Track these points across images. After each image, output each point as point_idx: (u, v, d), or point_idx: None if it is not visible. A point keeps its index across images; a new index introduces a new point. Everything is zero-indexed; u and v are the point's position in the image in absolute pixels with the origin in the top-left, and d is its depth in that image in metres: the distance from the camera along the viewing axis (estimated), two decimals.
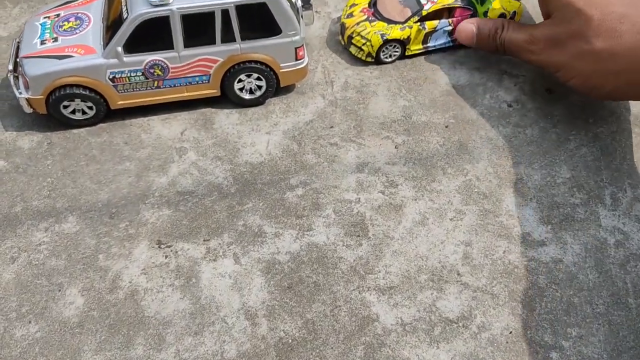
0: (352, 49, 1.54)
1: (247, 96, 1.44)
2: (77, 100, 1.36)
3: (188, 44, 1.33)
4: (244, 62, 1.38)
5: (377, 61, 1.54)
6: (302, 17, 1.44)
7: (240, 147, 1.38)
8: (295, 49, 1.39)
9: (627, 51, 1.23)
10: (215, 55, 1.36)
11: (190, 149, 1.38)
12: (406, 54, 1.55)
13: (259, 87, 1.43)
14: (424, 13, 1.51)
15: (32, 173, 1.33)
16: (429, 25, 1.52)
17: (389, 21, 1.52)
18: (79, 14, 1.39)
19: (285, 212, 1.27)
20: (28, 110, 1.36)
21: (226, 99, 1.44)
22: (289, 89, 1.49)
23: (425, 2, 1.52)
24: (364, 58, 1.53)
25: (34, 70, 1.32)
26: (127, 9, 1.30)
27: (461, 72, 1.53)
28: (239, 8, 1.31)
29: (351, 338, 1.11)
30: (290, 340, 1.10)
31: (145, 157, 1.36)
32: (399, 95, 1.48)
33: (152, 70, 1.35)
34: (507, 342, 1.10)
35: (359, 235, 1.23)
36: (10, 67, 1.36)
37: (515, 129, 1.41)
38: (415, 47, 1.54)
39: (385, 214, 1.26)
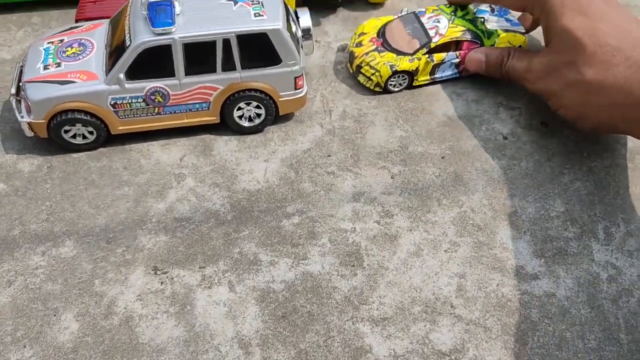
0: (361, 78, 1.57)
1: (246, 124, 1.45)
2: (78, 125, 1.37)
3: (189, 71, 1.35)
4: (243, 91, 1.40)
5: (385, 90, 1.56)
6: (302, 47, 1.46)
7: (238, 174, 1.40)
8: (295, 78, 1.41)
9: (618, 84, 1.25)
10: (215, 83, 1.38)
11: (188, 175, 1.39)
12: (413, 84, 1.57)
13: (258, 115, 1.45)
14: (432, 45, 1.54)
15: (31, 196, 1.35)
16: (437, 57, 1.54)
17: (398, 52, 1.54)
18: (83, 40, 1.41)
19: (281, 240, 1.28)
20: (29, 133, 1.38)
21: (225, 126, 1.46)
22: (287, 117, 1.51)
23: (434, 35, 1.54)
24: (372, 87, 1.55)
25: (37, 95, 1.33)
26: (130, 37, 1.32)
27: (458, 103, 1.55)
28: (240, 38, 1.33)
29: None
30: None
31: (144, 183, 1.37)
32: (396, 125, 1.50)
33: (153, 97, 1.37)
34: None
35: (353, 265, 1.24)
36: (13, 90, 1.38)
37: (511, 161, 1.43)
38: (422, 78, 1.57)
39: (380, 244, 1.27)
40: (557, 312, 1.18)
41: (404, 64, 1.52)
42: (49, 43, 1.43)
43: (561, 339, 1.15)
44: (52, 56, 1.39)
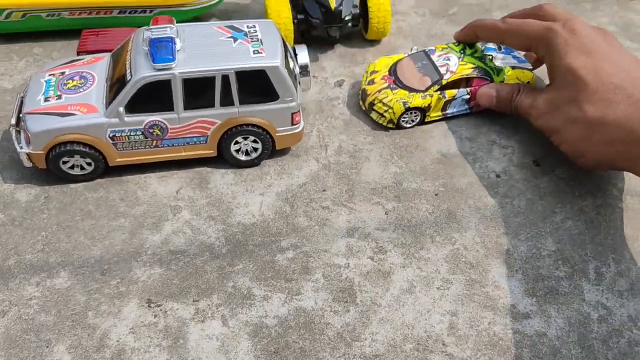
0: (373, 115, 1.59)
1: (243, 157, 1.47)
2: (77, 157, 1.39)
3: (188, 106, 1.37)
4: (241, 125, 1.42)
5: (398, 127, 1.58)
6: (299, 83, 1.49)
7: (234, 208, 1.41)
8: (292, 114, 1.44)
9: (619, 122, 1.28)
10: (213, 118, 1.40)
11: (184, 207, 1.41)
12: (426, 120, 1.60)
13: (255, 149, 1.47)
14: (444, 82, 1.57)
15: (28, 226, 1.35)
16: (449, 94, 1.58)
17: (410, 89, 1.57)
18: (84, 73, 1.44)
19: (275, 275, 1.29)
20: (28, 164, 1.39)
21: (222, 159, 1.48)
22: (284, 151, 1.53)
23: (445, 72, 1.58)
24: (385, 124, 1.58)
25: (36, 126, 1.35)
26: (130, 71, 1.35)
27: (452, 140, 1.58)
28: (239, 74, 1.36)
29: None
30: None
31: (140, 214, 1.39)
32: (391, 161, 1.52)
33: (151, 130, 1.38)
34: None
35: (346, 301, 1.25)
36: (13, 121, 1.40)
37: (503, 199, 1.44)
38: (434, 114, 1.60)
39: (373, 281, 1.28)
40: (548, 352, 1.18)
41: (417, 100, 1.54)
42: (50, 75, 1.45)
43: None
44: (53, 88, 1.42)
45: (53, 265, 1.29)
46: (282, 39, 1.46)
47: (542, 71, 1.62)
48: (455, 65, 1.59)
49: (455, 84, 1.58)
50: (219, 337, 1.19)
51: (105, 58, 1.48)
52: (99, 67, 1.45)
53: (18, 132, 1.40)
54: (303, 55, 1.51)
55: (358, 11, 1.81)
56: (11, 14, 1.77)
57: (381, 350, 1.18)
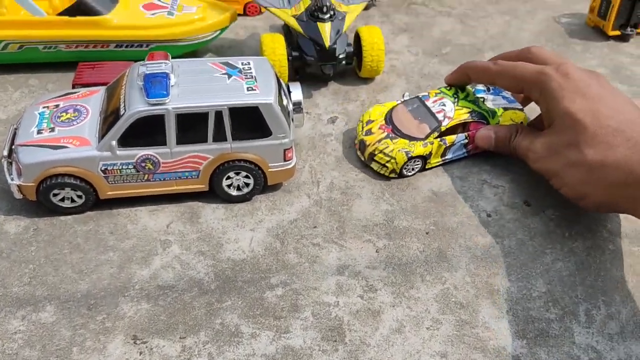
0: (374, 165, 1.58)
1: (234, 192, 1.47)
2: (67, 189, 1.39)
3: (181, 141, 1.38)
4: (233, 161, 1.42)
5: (400, 176, 1.57)
6: (293, 119, 1.50)
7: (224, 243, 1.40)
8: (284, 150, 1.44)
9: (618, 164, 1.28)
10: (206, 153, 1.40)
11: (174, 242, 1.40)
12: (426, 167, 1.60)
13: (247, 185, 1.47)
14: (443, 129, 1.58)
15: (15, 258, 1.34)
16: (449, 139, 1.58)
17: (410, 137, 1.57)
18: (78, 106, 1.45)
19: (264, 312, 1.27)
20: (18, 196, 1.39)
21: (213, 193, 1.48)
22: (275, 186, 1.53)
23: (442, 118, 1.58)
24: (387, 174, 1.57)
25: (28, 158, 1.35)
26: (124, 105, 1.35)
27: (443, 179, 1.59)
28: (232, 110, 1.37)
29: None
30: None
31: (129, 248, 1.38)
32: (382, 199, 1.52)
33: (143, 164, 1.39)
34: None
35: (335, 340, 1.24)
36: (5, 152, 1.40)
37: (494, 239, 1.45)
38: (435, 160, 1.60)
39: (362, 320, 1.27)
40: None
41: (418, 149, 1.54)
42: (44, 107, 1.46)
43: None
44: (46, 121, 1.42)
45: (39, 299, 1.27)
46: (276, 77, 1.48)
47: (531, 109, 1.64)
48: (452, 110, 1.59)
49: (453, 129, 1.59)
50: None
51: (100, 91, 1.49)
52: (93, 100, 1.46)
53: (10, 163, 1.39)
54: (297, 92, 1.52)
55: (352, 49, 1.84)
56: (8, 45, 1.78)
57: None
